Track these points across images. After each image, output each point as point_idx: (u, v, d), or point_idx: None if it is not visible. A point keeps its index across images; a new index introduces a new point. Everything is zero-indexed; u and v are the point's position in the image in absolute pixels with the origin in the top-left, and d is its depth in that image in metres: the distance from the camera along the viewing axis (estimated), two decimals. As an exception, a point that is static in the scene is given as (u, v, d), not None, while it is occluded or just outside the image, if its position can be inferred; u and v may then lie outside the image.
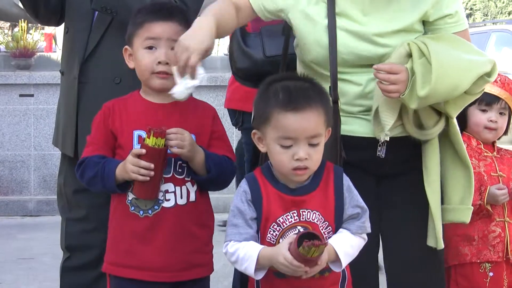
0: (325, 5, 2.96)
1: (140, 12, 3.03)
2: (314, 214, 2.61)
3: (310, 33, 2.99)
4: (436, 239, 2.94)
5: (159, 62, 2.89)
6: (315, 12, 2.97)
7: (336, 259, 2.61)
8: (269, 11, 3.04)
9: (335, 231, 2.62)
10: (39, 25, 9.31)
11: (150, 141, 2.75)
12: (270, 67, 3.39)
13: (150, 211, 2.89)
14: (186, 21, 3.01)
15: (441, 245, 2.96)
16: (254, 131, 2.72)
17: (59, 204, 3.77)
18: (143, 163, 2.75)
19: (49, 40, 11.06)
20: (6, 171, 9.31)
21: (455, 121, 2.97)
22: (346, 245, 2.64)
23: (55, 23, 3.93)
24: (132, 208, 2.89)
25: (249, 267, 2.57)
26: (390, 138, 2.88)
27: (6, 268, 6.41)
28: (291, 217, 2.61)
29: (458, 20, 2.97)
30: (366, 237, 2.73)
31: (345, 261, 2.64)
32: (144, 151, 2.76)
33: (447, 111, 2.86)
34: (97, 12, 3.50)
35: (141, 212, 2.89)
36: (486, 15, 30.56)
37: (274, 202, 2.64)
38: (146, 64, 2.90)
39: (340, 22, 2.94)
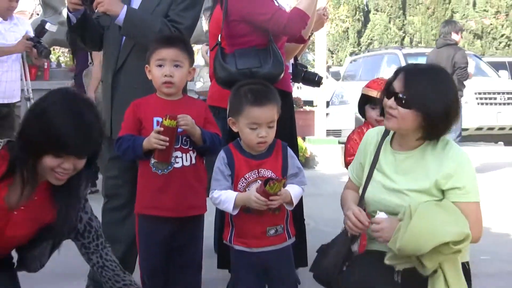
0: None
1: (153, 41, 3.72)
2: (268, 172, 3.38)
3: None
4: None
5: (165, 75, 3.62)
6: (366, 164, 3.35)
7: (290, 202, 3.34)
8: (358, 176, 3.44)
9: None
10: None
11: (166, 122, 3.45)
12: (240, 76, 3.97)
13: (165, 170, 3.64)
14: (185, 45, 3.71)
15: None
16: (229, 118, 3.44)
17: (101, 167, 4.52)
18: (162, 137, 3.46)
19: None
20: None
21: (449, 265, 2.98)
22: (295, 192, 3.37)
23: (98, 49, 4.62)
24: (154, 168, 3.63)
25: (229, 206, 3.31)
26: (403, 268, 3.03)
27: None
28: (253, 174, 3.39)
29: (466, 193, 3.05)
30: (304, 188, 3.47)
31: (295, 202, 3.37)
32: (162, 129, 3.47)
33: (423, 261, 2.92)
34: (124, 38, 4.19)
35: (160, 171, 3.64)
36: (381, 43, 32.08)
37: (242, 164, 3.39)
38: (157, 77, 3.64)
39: (376, 175, 3.27)
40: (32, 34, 7.17)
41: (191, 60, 3.78)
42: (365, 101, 4.52)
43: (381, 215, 3.05)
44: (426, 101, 3.07)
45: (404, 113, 3.10)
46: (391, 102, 3.14)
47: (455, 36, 10.70)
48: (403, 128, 3.16)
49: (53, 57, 14.44)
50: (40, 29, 7.07)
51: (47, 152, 2.83)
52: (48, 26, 7.29)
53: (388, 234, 2.97)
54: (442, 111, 3.08)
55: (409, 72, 3.16)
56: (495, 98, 15.30)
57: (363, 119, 4.58)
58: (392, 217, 3.04)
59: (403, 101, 3.09)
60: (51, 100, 2.94)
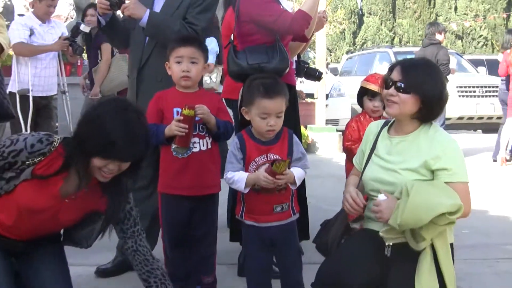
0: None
1: (172, 41, 3.74)
2: (276, 156, 3.34)
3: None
4: None
5: (183, 71, 3.64)
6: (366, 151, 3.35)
7: (293, 182, 3.33)
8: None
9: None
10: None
11: (185, 112, 3.48)
12: (251, 70, 3.94)
13: (185, 154, 3.65)
14: (200, 44, 3.73)
15: None
16: (243, 108, 3.42)
17: None
18: (181, 124, 3.49)
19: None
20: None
21: (440, 243, 2.96)
22: (298, 174, 3.35)
23: (125, 47, 4.67)
24: (174, 153, 3.65)
25: (241, 186, 3.30)
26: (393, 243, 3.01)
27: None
28: (262, 158, 3.36)
29: (454, 174, 3.03)
30: (306, 171, 3.46)
31: (298, 182, 3.36)
32: (182, 118, 3.50)
33: (422, 234, 2.89)
34: (147, 38, 4.20)
35: (180, 155, 3.65)
36: (374, 43, 32.23)
37: (253, 149, 3.37)
38: (176, 72, 3.66)
39: (374, 158, 3.28)
40: (67, 35, 7.26)
41: (206, 57, 3.78)
42: (363, 93, 4.49)
43: (380, 197, 3.01)
44: (423, 85, 3.09)
45: (404, 98, 3.10)
46: (391, 90, 3.14)
47: (438, 36, 10.68)
48: (404, 113, 3.15)
49: (85, 55, 14.47)
50: (75, 30, 7.20)
51: (97, 153, 2.86)
52: (82, 27, 7.40)
53: (387, 214, 2.94)
54: (438, 93, 3.13)
55: (404, 64, 3.17)
56: (474, 91, 15.40)
57: (361, 109, 4.56)
58: (390, 197, 3.00)
59: (402, 88, 3.10)
60: (106, 107, 2.95)
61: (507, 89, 10.10)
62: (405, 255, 2.98)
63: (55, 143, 2.98)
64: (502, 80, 10.57)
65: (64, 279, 3.29)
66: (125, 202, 3.21)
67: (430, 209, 2.85)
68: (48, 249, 3.30)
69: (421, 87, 3.08)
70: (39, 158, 2.94)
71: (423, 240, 2.92)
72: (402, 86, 3.10)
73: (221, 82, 7.38)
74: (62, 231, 3.38)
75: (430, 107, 3.13)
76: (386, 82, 3.19)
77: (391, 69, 3.20)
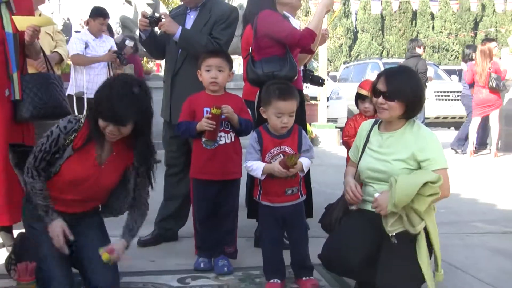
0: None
1: (203, 53, 3.74)
2: (288, 148, 3.33)
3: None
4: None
5: (212, 78, 3.64)
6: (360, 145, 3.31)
7: (301, 169, 3.32)
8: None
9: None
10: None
11: (214, 111, 3.49)
12: (265, 77, 3.92)
13: (213, 146, 3.64)
14: (226, 56, 3.71)
15: None
16: (261, 108, 3.41)
17: (163, 143, 4.42)
18: (210, 121, 3.51)
19: (157, 65, 11.91)
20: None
21: (431, 226, 2.96)
22: (306, 163, 3.34)
23: (161, 58, 4.59)
24: (204, 145, 3.64)
25: (258, 173, 3.30)
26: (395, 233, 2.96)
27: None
28: (277, 149, 3.34)
29: (434, 163, 3.01)
30: (312, 160, 3.44)
31: (305, 170, 3.35)
32: (210, 116, 3.51)
33: (415, 207, 2.88)
34: (180, 50, 4.18)
35: (208, 147, 3.65)
36: (366, 55, 32.45)
37: (269, 142, 3.35)
38: (206, 79, 3.66)
39: (368, 150, 3.24)
40: (115, 48, 7.39)
41: (230, 66, 3.75)
42: (358, 97, 4.47)
43: (376, 195, 3.00)
44: (404, 92, 3.06)
45: (392, 105, 3.08)
46: (380, 99, 3.11)
47: (418, 50, 10.76)
48: (393, 116, 3.13)
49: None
50: (121, 44, 7.24)
51: (97, 115, 2.93)
52: (127, 42, 7.49)
53: (385, 205, 2.93)
54: (417, 97, 3.11)
55: (387, 74, 3.14)
56: (448, 95, 15.51)
57: (358, 110, 4.54)
58: (383, 192, 2.98)
59: (388, 97, 3.08)
60: (109, 80, 3.07)
61: (471, 94, 10.20)
62: (401, 237, 2.97)
63: (82, 119, 3.07)
64: (464, 86, 10.69)
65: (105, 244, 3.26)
66: (151, 154, 3.19)
67: (414, 183, 2.86)
68: (91, 223, 3.30)
69: (403, 94, 3.06)
70: (73, 135, 3.01)
71: (419, 223, 2.91)
72: (388, 95, 3.08)
73: None
74: (101, 206, 3.38)
75: (412, 109, 3.11)
76: (375, 92, 3.16)
77: (378, 77, 3.17)
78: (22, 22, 3.66)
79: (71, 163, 3.03)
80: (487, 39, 10.82)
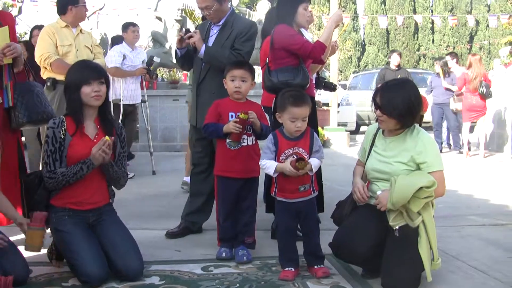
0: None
1: (229, 64, 3.74)
2: (301, 149, 3.32)
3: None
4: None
5: (236, 87, 3.65)
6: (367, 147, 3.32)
7: (310, 169, 3.28)
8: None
9: (309, 157, 3.32)
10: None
11: (241, 116, 3.54)
12: (280, 85, 3.88)
13: (236, 147, 3.66)
14: (249, 67, 3.71)
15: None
16: (277, 113, 3.39)
17: (190, 145, 4.49)
18: (237, 125, 3.55)
19: (184, 75, 11.99)
20: (166, 131, 10.44)
21: (428, 220, 2.98)
22: (315, 163, 3.31)
23: (188, 70, 4.67)
24: (228, 146, 3.65)
25: (271, 171, 3.30)
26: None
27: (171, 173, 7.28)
28: (290, 150, 3.31)
29: (430, 166, 3.02)
30: (322, 160, 3.40)
31: (314, 170, 3.31)
32: (238, 120, 3.55)
33: (410, 207, 2.92)
34: (203, 63, 4.17)
35: (232, 147, 3.66)
36: (373, 65, 32.50)
37: (284, 144, 3.33)
38: (231, 87, 3.67)
39: (373, 153, 3.26)
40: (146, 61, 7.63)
41: (253, 76, 3.76)
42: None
43: (378, 193, 3.05)
44: (393, 108, 3.07)
45: (387, 118, 3.12)
46: (378, 112, 3.15)
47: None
48: (390, 126, 3.17)
49: (159, 74, 14.69)
50: (149, 61, 7.58)
51: (82, 85, 3.23)
52: (155, 58, 7.83)
53: (384, 202, 2.99)
54: (405, 108, 3.06)
55: (383, 90, 3.14)
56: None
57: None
58: (385, 191, 3.03)
59: (383, 111, 3.11)
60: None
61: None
62: (404, 229, 3.01)
63: (62, 116, 3.27)
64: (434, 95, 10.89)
65: (126, 235, 3.36)
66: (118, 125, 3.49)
67: (411, 187, 2.89)
68: (109, 214, 3.40)
69: (392, 110, 3.06)
70: (64, 126, 3.21)
71: (416, 217, 2.94)
72: (381, 110, 3.11)
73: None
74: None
75: (404, 122, 3.11)
76: (375, 104, 3.17)
77: (377, 90, 3.18)
78: None
79: (72, 150, 3.20)
80: (450, 54, 11.15)
